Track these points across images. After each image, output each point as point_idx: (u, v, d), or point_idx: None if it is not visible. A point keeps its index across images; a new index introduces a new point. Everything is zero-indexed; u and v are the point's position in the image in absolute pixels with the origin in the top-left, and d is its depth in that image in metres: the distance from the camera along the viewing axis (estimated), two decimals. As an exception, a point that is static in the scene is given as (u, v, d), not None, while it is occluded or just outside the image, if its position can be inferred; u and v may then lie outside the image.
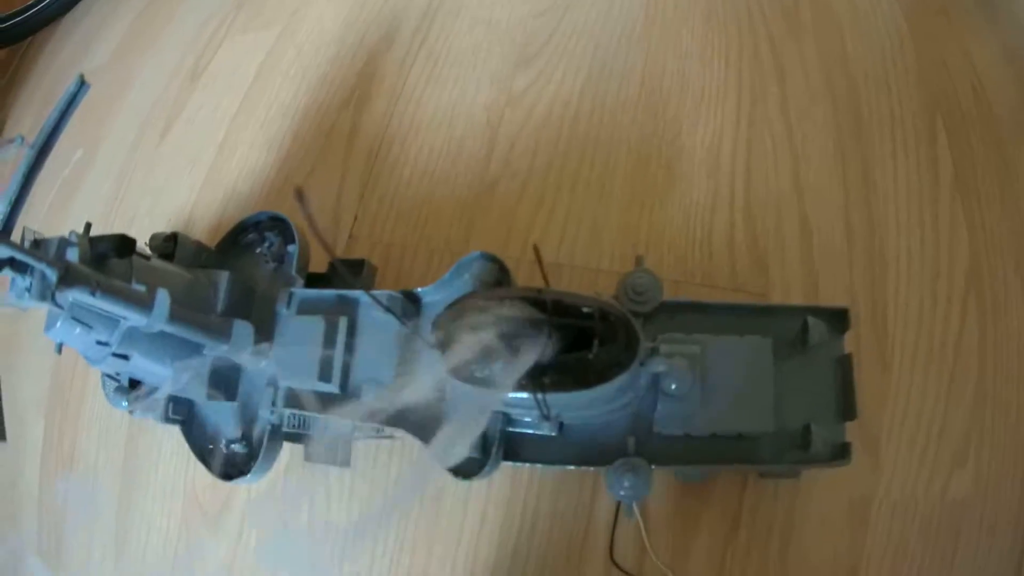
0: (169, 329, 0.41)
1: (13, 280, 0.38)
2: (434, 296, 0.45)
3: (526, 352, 0.32)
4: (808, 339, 0.41)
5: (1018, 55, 0.59)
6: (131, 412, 0.50)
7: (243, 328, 0.44)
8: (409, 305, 0.45)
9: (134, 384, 0.50)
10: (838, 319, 0.42)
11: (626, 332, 0.34)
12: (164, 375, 0.45)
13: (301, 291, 0.48)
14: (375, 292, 0.45)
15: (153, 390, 0.46)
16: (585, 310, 0.34)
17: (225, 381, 0.47)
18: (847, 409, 0.40)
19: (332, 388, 0.44)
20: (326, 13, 0.78)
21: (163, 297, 0.40)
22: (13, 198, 0.48)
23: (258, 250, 0.52)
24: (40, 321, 0.41)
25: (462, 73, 0.67)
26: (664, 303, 0.42)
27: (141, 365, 0.44)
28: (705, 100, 0.59)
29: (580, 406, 0.37)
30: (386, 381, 0.41)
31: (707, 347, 0.40)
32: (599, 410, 0.39)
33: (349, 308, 0.46)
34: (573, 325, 0.34)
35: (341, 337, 0.44)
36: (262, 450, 0.45)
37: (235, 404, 0.47)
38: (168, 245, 0.50)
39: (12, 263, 0.37)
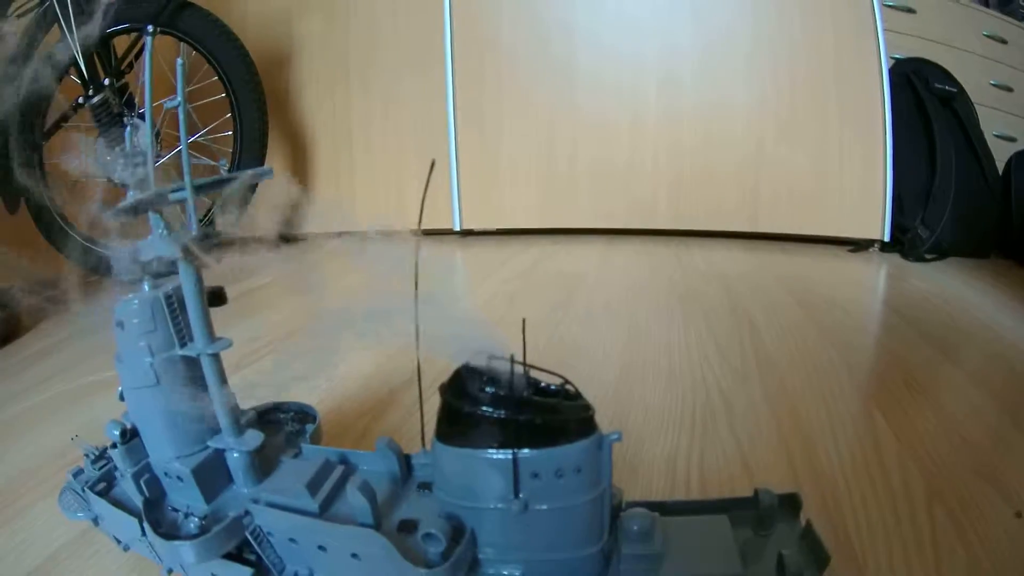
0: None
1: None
2: (423, 459, 0.49)
3: None
4: (762, 512, 0.44)
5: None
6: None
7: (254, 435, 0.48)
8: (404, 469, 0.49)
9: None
10: (790, 504, 0.46)
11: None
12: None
13: (308, 446, 0.53)
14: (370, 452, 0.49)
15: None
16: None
17: (211, 481, 0.47)
18: (820, 560, 0.41)
19: (312, 506, 0.45)
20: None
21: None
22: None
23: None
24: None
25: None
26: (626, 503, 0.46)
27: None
28: (664, 423, 0.73)
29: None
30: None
31: (667, 524, 0.43)
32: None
33: (348, 466, 0.50)
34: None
35: (334, 475, 0.47)
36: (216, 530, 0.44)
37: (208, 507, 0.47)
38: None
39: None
